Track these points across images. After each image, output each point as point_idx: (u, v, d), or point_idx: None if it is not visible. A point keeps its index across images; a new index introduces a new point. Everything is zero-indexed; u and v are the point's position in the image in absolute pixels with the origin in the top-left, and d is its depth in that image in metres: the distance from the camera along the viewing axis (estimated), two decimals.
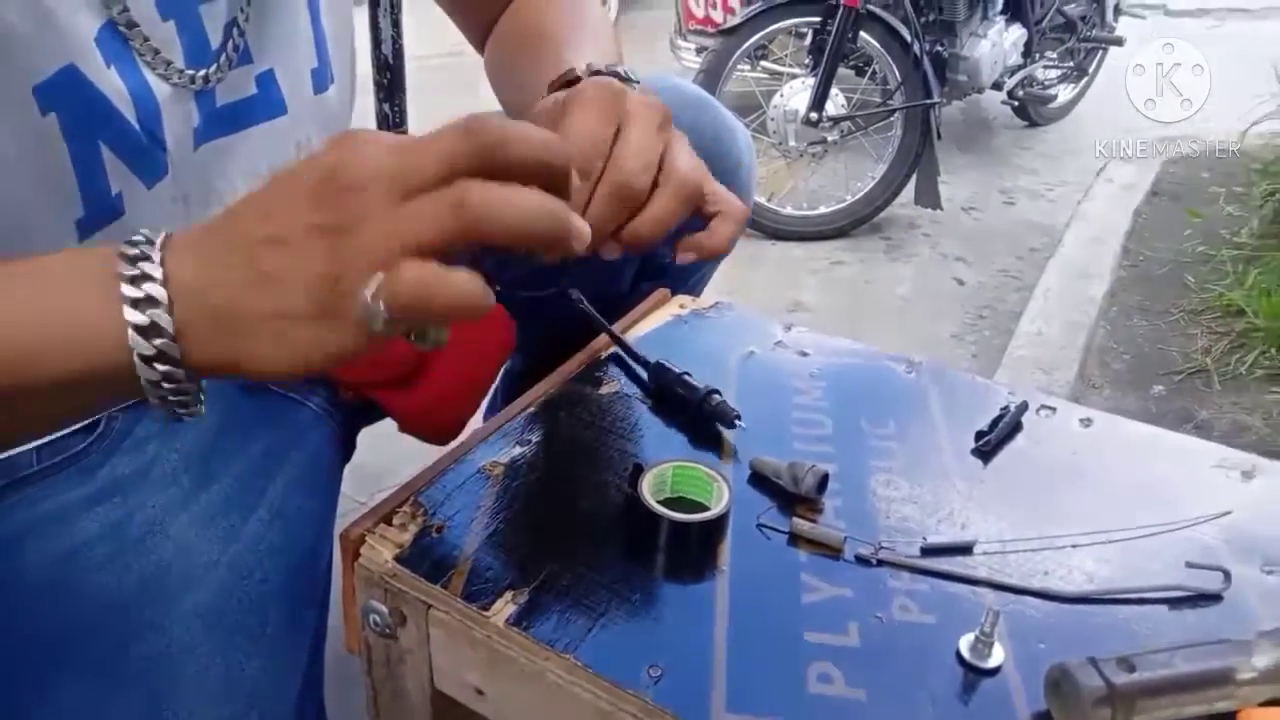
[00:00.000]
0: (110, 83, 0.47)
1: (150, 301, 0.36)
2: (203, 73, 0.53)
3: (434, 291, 0.34)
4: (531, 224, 0.36)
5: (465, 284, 0.35)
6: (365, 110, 1.24)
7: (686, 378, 0.57)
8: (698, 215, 0.52)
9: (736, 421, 0.55)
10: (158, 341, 0.36)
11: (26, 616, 0.49)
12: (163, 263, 0.36)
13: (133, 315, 0.35)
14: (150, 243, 0.37)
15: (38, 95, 0.44)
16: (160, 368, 0.36)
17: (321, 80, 0.64)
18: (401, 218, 0.35)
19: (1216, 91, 2.57)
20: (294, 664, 0.54)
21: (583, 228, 0.38)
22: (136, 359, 0.36)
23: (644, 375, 0.60)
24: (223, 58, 0.54)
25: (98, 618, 0.49)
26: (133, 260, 0.36)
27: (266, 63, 0.58)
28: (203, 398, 0.39)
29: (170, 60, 0.51)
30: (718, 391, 0.56)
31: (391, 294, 0.34)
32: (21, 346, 0.36)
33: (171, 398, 0.37)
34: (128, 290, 0.36)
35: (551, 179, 0.38)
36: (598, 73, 0.55)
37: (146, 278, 0.36)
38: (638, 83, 0.58)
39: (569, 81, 0.55)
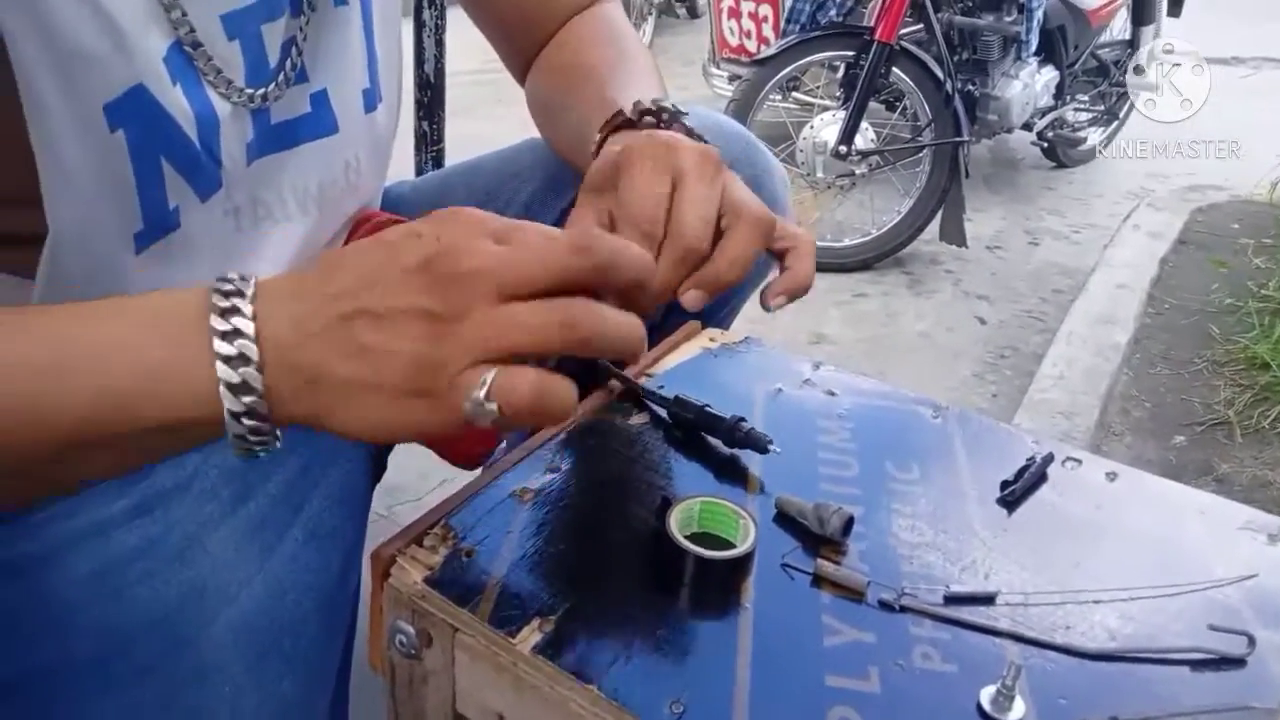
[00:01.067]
0: (175, 101, 0.48)
1: (243, 359, 0.37)
2: (261, 91, 0.54)
3: (547, 402, 0.37)
4: (623, 345, 0.39)
5: (568, 396, 0.38)
6: (404, 127, 1.26)
7: (709, 409, 0.58)
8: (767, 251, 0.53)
9: (770, 446, 0.56)
10: (247, 399, 0.37)
11: (63, 631, 0.49)
12: (254, 316, 0.37)
13: (225, 373, 0.37)
14: (241, 294, 0.38)
15: (108, 113, 0.45)
16: (248, 422, 0.38)
17: (371, 100, 0.65)
18: (509, 322, 0.37)
19: (1248, 141, 2.56)
20: (324, 684, 0.55)
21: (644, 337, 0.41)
22: (226, 414, 0.37)
23: (664, 414, 0.61)
24: (280, 76, 0.56)
25: (134, 633, 0.50)
26: (225, 313, 0.37)
27: (320, 82, 0.60)
28: (279, 437, 0.40)
29: (231, 80, 0.52)
30: (744, 419, 0.57)
31: (508, 401, 0.36)
32: (116, 398, 0.37)
33: (253, 442, 0.39)
34: (221, 347, 0.37)
35: (640, 294, 0.41)
36: (646, 111, 0.56)
37: (239, 334, 0.37)
38: (686, 114, 0.59)
39: (618, 125, 0.57)
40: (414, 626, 0.47)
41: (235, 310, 0.37)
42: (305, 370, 0.38)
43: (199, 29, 0.49)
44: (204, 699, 0.49)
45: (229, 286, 0.38)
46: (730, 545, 0.49)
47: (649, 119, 0.59)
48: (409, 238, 0.38)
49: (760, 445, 0.56)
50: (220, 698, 0.49)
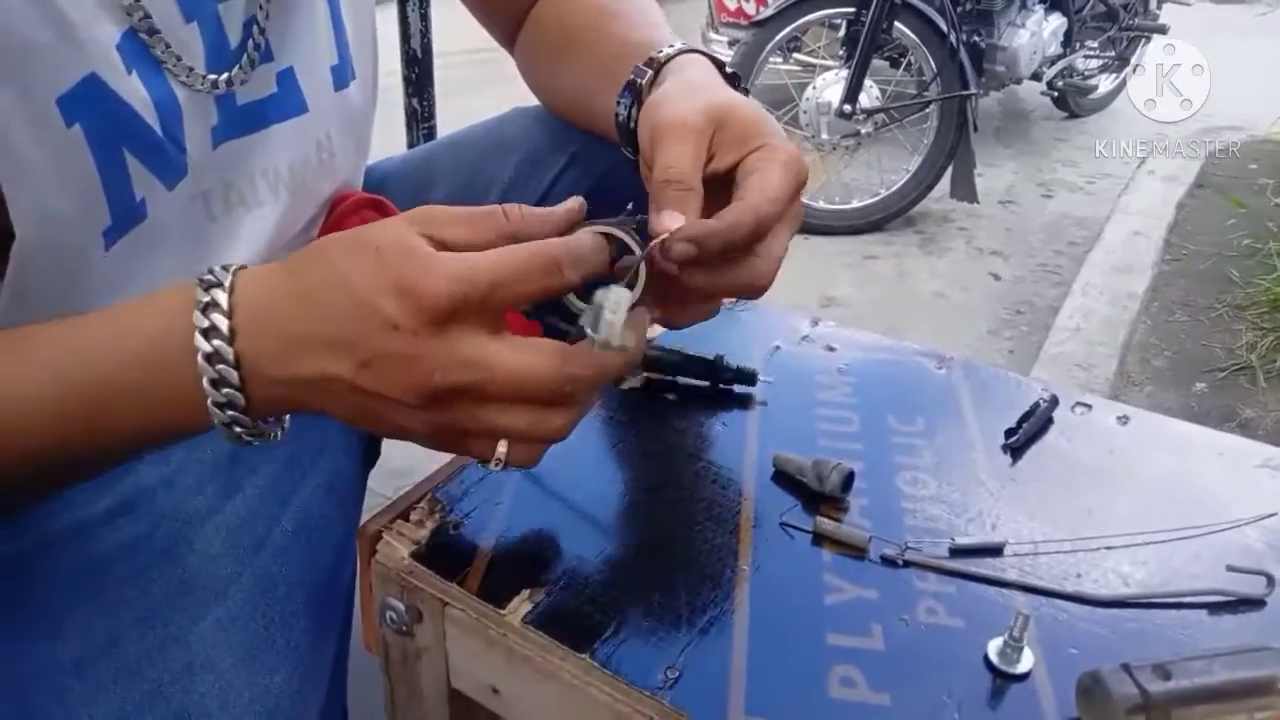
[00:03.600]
0: (132, 89, 0.47)
1: (224, 382, 0.39)
2: (225, 76, 0.52)
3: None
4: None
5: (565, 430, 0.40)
6: (394, 103, 1.24)
7: (686, 351, 0.57)
8: None
9: (760, 378, 0.55)
10: (230, 413, 0.40)
11: (51, 631, 0.49)
12: (232, 334, 0.39)
13: (212, 394, 0.39)
14: (220, 332, 0.39)
15: (62, 107, 0.44)
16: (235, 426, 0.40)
17: (342, 77, 0.63)
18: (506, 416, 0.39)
19: (1265, 80, 2.50)
20: (318, 675, 0.54)
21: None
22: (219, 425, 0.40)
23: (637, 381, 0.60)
24: (245, 57, 0.54)
25: (121, 632, 0.49)
26: (206, 334, 0.39)
27: (286, 60, 0.58)
28: (283, 429, 0.43)
29: (192, 66, 0.50)
30: (723, 355, 0.56)
31: (520, 463, 0.40)
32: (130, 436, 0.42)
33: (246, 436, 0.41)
34: (205, 372, 0.39)
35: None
36: (683, 52, 0.55)
37: (220, 358, 0.39)
38: (732, 70, 0.57)
39: (688, 50, 0.55)
40: (404, 602, 0.46)
41: (214, 330, 0.39)
42: (287, 402, 0.41)
43: (154, 14, 0.48)
44: (193, 695, 0.48)
45: (210, 323, 0.39)
46: None
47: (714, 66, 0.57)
48: (382, 310, 0.38)
49: (749, 377, 0.55)
50: (211, 695, 0.49)
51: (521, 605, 0.43)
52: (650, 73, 0.55)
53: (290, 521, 0.56)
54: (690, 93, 0.51)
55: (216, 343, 0.38)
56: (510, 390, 0.38)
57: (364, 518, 0.63)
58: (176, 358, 0.39)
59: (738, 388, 0.58)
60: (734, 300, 0.69)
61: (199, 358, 0.38)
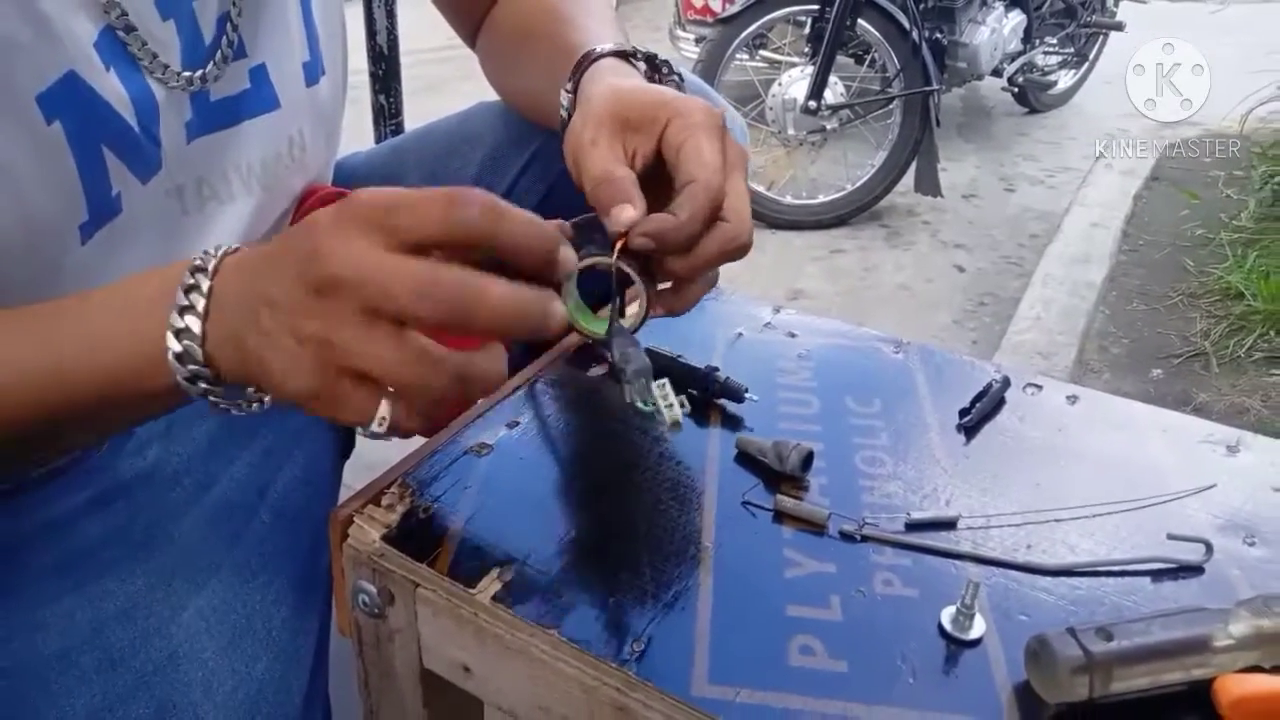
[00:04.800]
0: (110, 87, 0.47)
1: (188, 333, 0.39)
2: (199, 73, 0.53)
3: (444, 413, 0.40)
4: (516, 319, 0.37)
5: (480, 389, 0.38)
6: (362, 101, 1.24)
7: (682, 360, 0.58)
8: None
9: (746, 395, 0.56)
10: (192, 367, 0.39)
11: (33, 623, 0.49)
12: (209, 292, 0.39)
13: (172, 342, 0.39)
14: (204, 269, 0.39)
15: (41, 104, 0.44)
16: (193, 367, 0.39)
17: (313, 73, 0.64)
18: (372, 334, 0.36)
19: (1218, 75, 2.55)
20: (299, 662, 0.55)
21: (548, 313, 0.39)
22: (181, 381, 0.39)
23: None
24: (218, 54, 0.54)
25: (102, 624, 0.49)
26: (187, 290, 0.39)
27: (259, 57, 0.58)
28: (264, 403, 0.42)
29: (168, 64, 0.51)
30: (717, 369, 0.57)
31: (402, 427, 0.38)
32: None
33: (222, 404, 0.41)
34: (174, 320, 0.39)
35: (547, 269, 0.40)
36: (617, 53, 0.56)
37: (191, 309, 0.39)
38: (679, 76, 0.58)
39: (607, 54, 0.55)
40: (375, 585, 0.46)
41: (195, 287, 0.39)
42: (237, 342, 0.39)
43: (131, 11, 0.48)
44: (177, 685, 0.49)
45: (198, 262, 0.40)
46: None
47: (643, 64, 0.58)
48: (310, 227, 0.38)
49: (736, 395, 0.56)
50: (195, 684, 0.49)
51: (491, 585, 0.44)
52: (572, 85, 0.57)
53: (268, 512, 0.56)
54: (588, 105, 0.52)
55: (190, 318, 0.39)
56: (389, 291, 0.35)
57: None
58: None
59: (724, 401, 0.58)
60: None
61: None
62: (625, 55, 0.57)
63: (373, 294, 0.35)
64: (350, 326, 0.35)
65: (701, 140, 0.48)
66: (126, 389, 0.40)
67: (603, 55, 0.56)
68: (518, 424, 0.55)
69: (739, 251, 0.49)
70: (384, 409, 0.37)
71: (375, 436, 0.38)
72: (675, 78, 0.58)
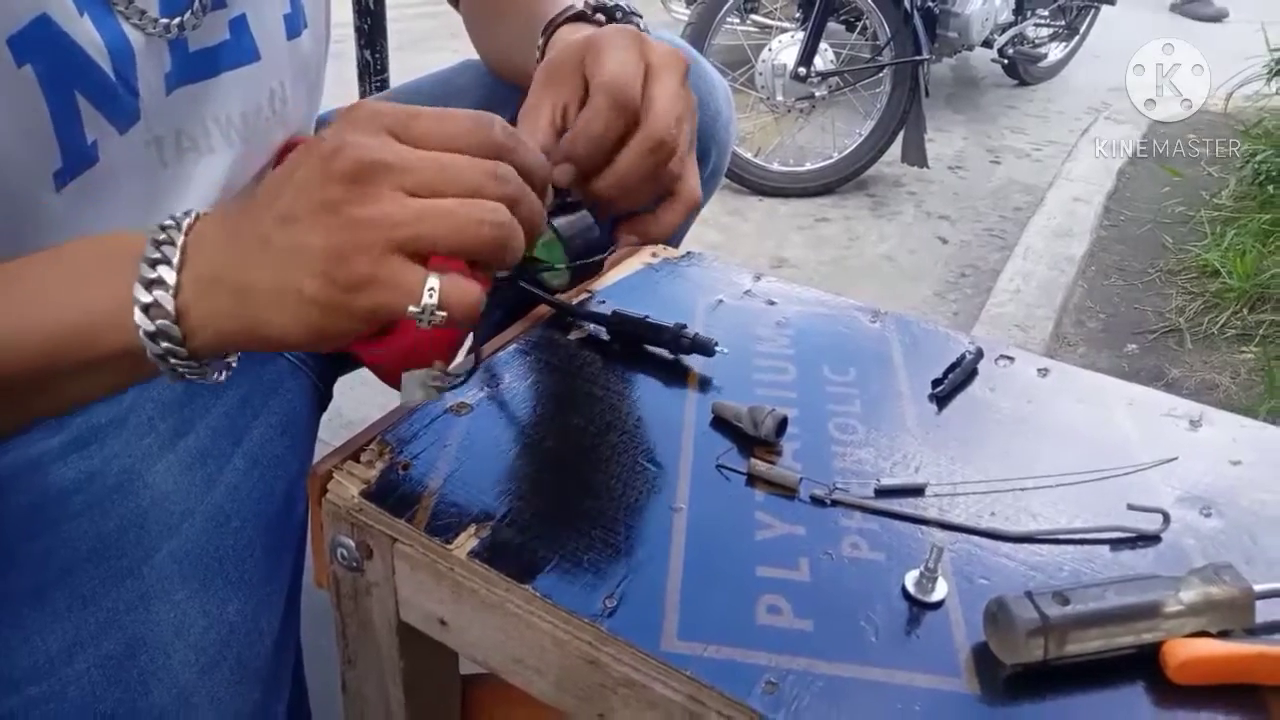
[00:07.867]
0: (84, 32, 0.47)
1: (160, 284, 0.39)
2: (177, 20, 0.53)
3: (478, 308, 0.39)
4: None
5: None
6: (347, 56, 1.23)
7: (649, 319, 0.58)
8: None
9: (717, 349, 0.57)
10: (160, 322, 0.39)
11: (7, 561, 0.50)
12: (183, 248, 0.39)
13: (143, 321, 0.39)
14: (177, 226, 0.40)
15: (12, 47, 0.44)
16: (164, 344, 0.39)
17: (294, 26, 0.63)
18: (418, 208, 0.38)
19: (1207, 55, 2.55)
20: (271, 607, 0.55)
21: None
22: (142, 334, 0.39)
23: (603, 331, 0.61)
24: (197, 3, 0.54)
25: (74, 564, 0.50)
26: (158, 244, 0.39)
27: (239, 8, 0.58)
28: (231, 367, 0.43)
29: (144, 10, 0.50)
30: (685, 325, 0.58)
31: (458, 304, 0.38)
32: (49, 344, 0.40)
33: (189, 376, 0.41)
34: (144, 271, 0.39)
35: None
36: (601, 8, 0.55)
37: (162, 261, 0.39)
38: (640, 17, 0.58)
39: (568, 19, 0.56)
40: (354, 539, 0.47)
41: (168, 241, 0.39)
42: (228, 283, 0.39)
43: None
44: (148, 624, 0.49)
45: (169, 221, 0.40)
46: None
47: (601, 16, 0.58)
48: (312, 144, 0.38)
49: (707, 349, 0.57)
50: (166, 623, 0.50)
51: (468, 541, 0.45)
52: (539, 54, 0.59)
53: (243, 459, 0.57)
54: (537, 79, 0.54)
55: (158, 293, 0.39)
56: (433, 163, 0.38)
57: (311, 462, 0.64)
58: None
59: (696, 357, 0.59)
60: (678, 253, 0.71)
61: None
62: (582, 15, 0.58)
63: (426, 176, 0.38)
64: (397, 201, 0.37)
65: (604, 53, 0.49)
66: (74, 351, 0.40)
67: (564, 20, 0.57)
68: (497, 385, 0.56)
69: (665, 155, 0.50)
70: (433, 280, 0.38)
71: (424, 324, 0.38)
72: (636, 20, 0.58)
